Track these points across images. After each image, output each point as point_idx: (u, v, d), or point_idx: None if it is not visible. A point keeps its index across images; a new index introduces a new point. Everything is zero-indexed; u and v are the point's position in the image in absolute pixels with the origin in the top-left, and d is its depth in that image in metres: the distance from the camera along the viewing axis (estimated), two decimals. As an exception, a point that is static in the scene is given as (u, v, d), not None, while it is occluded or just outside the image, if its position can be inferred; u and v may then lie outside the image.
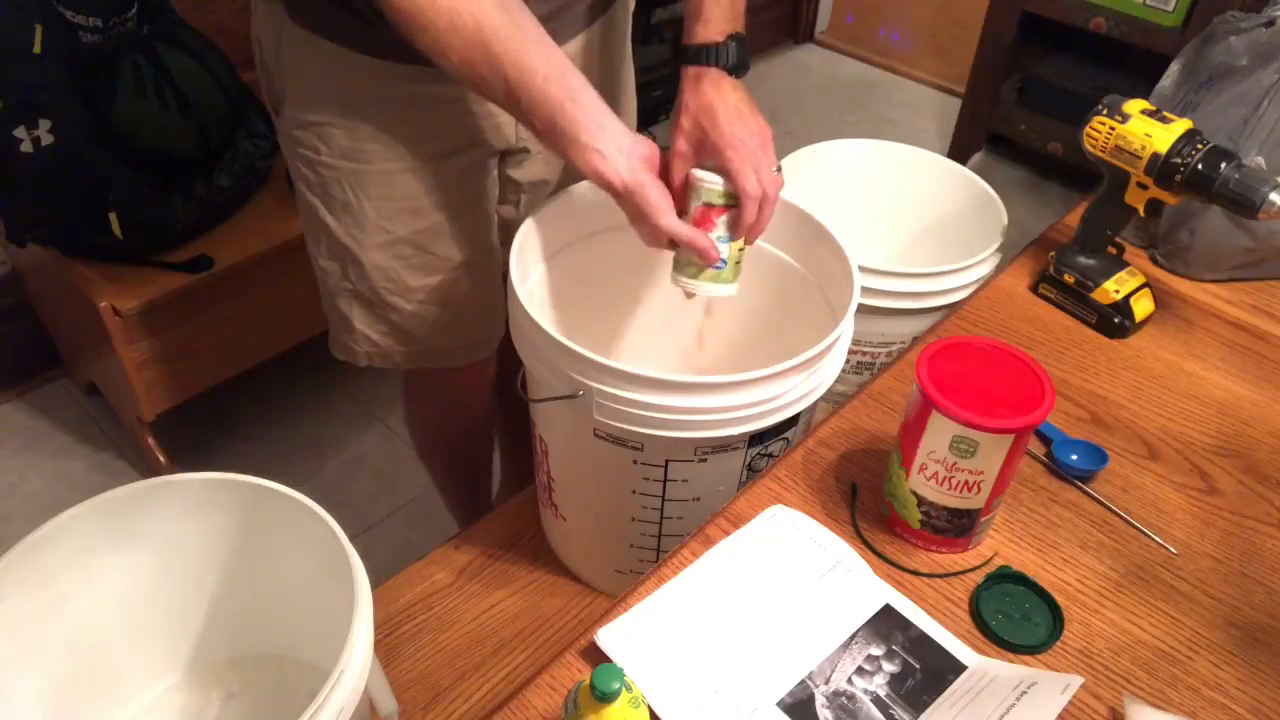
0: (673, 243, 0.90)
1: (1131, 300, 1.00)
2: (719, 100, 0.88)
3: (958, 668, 0.71)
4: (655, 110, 2.55)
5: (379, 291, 1.07)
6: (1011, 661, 0.72)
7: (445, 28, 0.80)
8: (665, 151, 0.91)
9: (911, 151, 1.42)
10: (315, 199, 1.03)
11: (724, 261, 0.91)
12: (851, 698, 0.68)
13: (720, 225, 0.90)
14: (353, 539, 0.80)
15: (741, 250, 0.93)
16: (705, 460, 0.96)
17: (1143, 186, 0.96)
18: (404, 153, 0.98)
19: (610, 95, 1.11)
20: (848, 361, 1.23)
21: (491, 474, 1.49)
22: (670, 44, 2.48)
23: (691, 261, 0.92)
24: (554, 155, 1.07)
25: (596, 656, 0.71)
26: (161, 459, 1.74)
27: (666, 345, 1.24)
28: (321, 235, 1.05)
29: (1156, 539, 0.81)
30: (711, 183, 0.89)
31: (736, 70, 0.90)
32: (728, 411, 0.88)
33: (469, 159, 1.02)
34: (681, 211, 0.90)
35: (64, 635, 0.85)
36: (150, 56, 1.50)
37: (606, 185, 0.85)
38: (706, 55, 0.90)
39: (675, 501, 1.01)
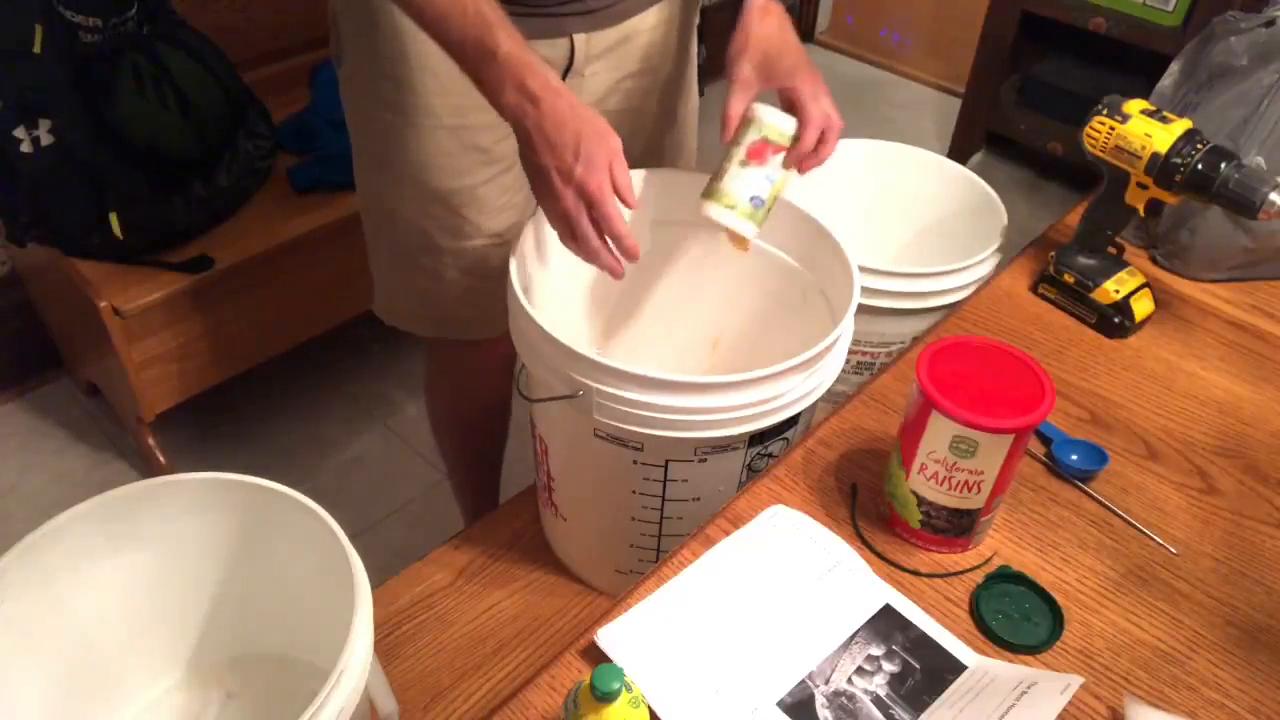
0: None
1: (1131, 300, 1.00)
2: (784, 35, 0.89)
3: (958, 668, 0.71)
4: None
5: (409, 249, 1.09)
6: (1011, 661, 0.72)
7: None
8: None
9: (911, 151, 1.42)
10: (363, 149, 1.06)
11: (763, 199, 0.90)
12: (851, 698, 0.68)
13: (773, 163, 0.89)
14: (353, 539, 0.80)
15: (776, 199, 0.92)
16: (705, 460, 0.95)
17: (1143, 186, 0.96)
18: (444, 115, 0.99)
19: (676, 79, 1.12)
20: (848, 361, 1.23)
21: (502, 467, 1.49)
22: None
23: (729, 193, 0.90)
24: None
25: (596, 656, 0.71)
26: (161, 459, 1.74)
27: (667, 345, 1.24)
28: (366, 187, 1.09)
29: (1156, 539, 0.81)
30: (778, 120, 0.88)
31: (791, 10, 0.92)
32: (728, 411, 0.88)
33: (506, 130, 1.01)
34: (733, 142, 0.90)
35: (64, 635, 0.85)
36: (150, 56, 1.50)
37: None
38: None
39: (675, 501, 1.01)
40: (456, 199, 1.05)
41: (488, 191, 1.05)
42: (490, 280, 1.12)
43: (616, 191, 0.83)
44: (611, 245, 0.85)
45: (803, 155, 0.90)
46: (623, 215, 0.83)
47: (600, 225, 0.83)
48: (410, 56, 0.96)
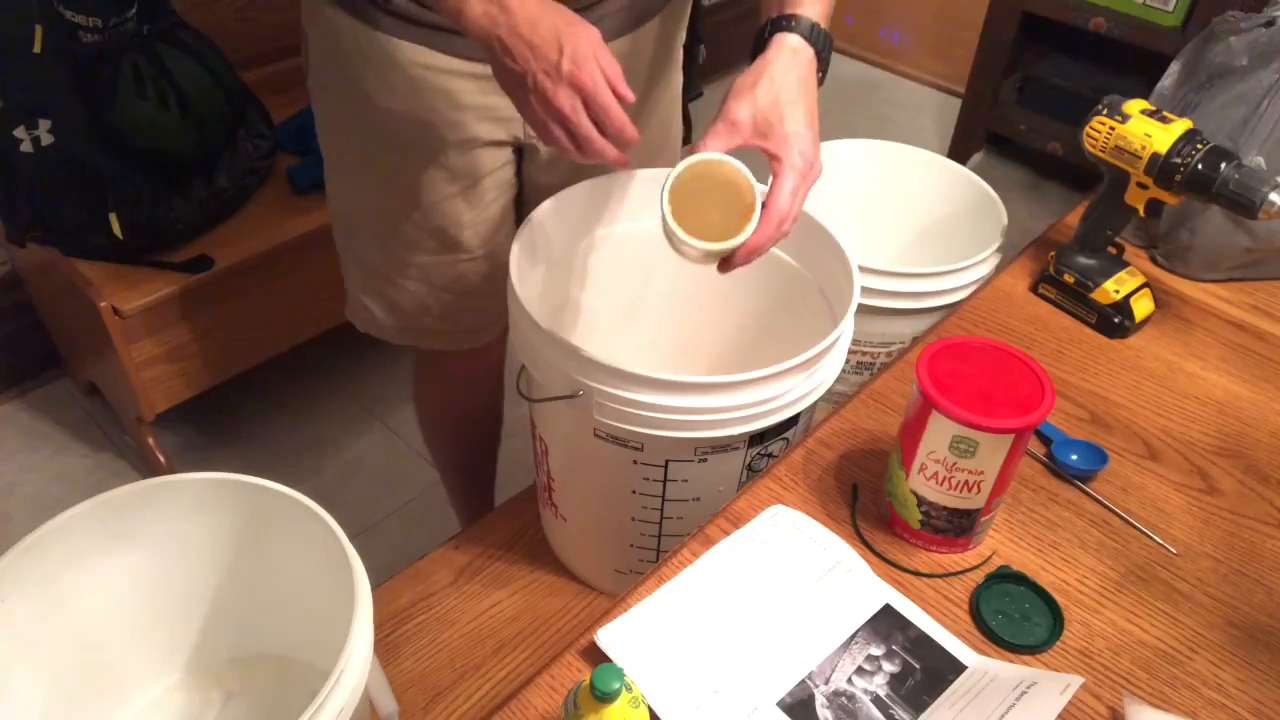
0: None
1: (1131, 300, 1.00)
2: (801, 93, 0.78)
3: (958, 668, 0.71)
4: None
5: (374, 261, 1.09)
6: (1011, 661, 0.72)
7: None
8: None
9: (911, 151, 1.42)
10: (330, 160, 1.07)
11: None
12: (851, 698, 0.68)
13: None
14: (353, 539, 0.80)
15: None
16: (705, 460, 0.95)
17: (1143, 186, 0.96)
18: (406, 130, 0.98)
19: (647, 106, 1.10)
20: (848, 361, 1.23)
21: (495, 467, 1.49)
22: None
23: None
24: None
25: (596, 656, 0.71)
26: (161, 459, 1.74)
27: (667, 345, 1.24)
28: (333, 196, 1.09)
29: (1156, 539, 0.81)
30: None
31: (823, 64, 0.81)
32: (728, 411, 0.88)
33: (471, 146, 1.01)
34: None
35: (64, 635, 0.85)
36: (150, 56, 1.50)
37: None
38: (814, 35, 0.79)
39: (675, 501, 1.01)
40: (418, 214, 1.04)
41: (451, 207, 1.04)
42: (459, 295, 1.11)
43: (608, 83, 0.76)
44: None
45: (738, 250, 0.77)
46: (619, 106, 0.77)
47: (600, 121, 0.77)
48: (372, 69, 0.95)
